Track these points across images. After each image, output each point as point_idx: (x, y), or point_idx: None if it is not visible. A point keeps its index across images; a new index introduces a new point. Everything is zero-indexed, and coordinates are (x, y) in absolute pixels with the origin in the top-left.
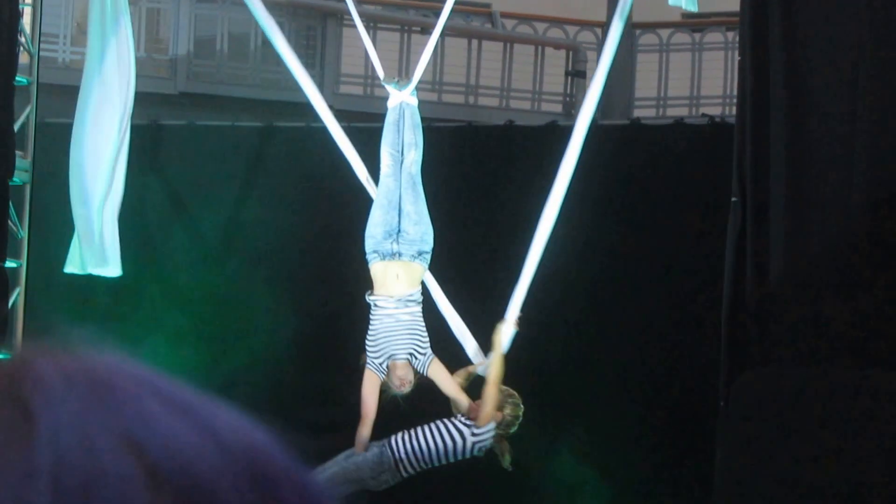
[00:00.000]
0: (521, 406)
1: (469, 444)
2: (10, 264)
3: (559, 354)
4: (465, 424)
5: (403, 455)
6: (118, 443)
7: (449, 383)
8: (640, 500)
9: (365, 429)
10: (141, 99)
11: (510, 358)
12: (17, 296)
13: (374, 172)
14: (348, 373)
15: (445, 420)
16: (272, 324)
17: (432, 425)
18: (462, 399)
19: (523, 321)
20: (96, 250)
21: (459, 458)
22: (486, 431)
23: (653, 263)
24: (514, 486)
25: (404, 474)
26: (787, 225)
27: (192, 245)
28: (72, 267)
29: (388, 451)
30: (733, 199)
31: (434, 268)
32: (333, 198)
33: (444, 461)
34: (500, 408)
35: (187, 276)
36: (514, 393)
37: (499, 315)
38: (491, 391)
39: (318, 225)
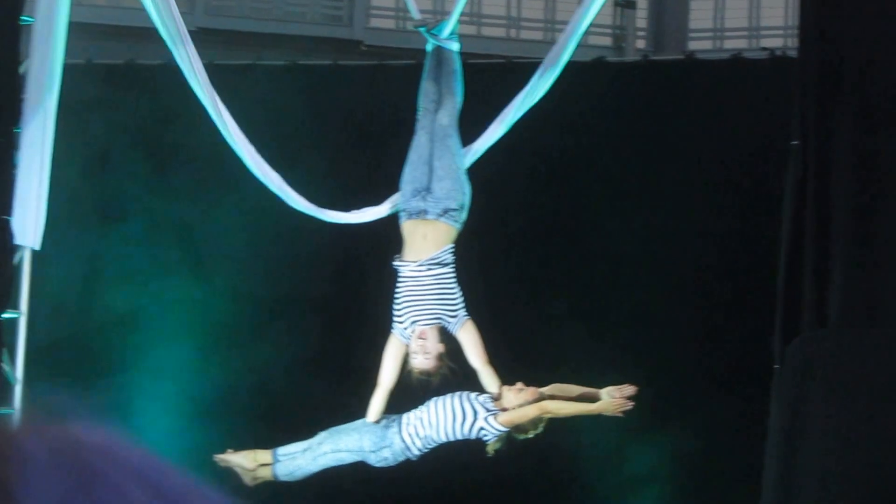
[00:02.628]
0: (544, 422)
1: (477, 427)
2: None
3: (607, 308)
4: (482, 405)
5: (411, 424)
6: None
7: (477, 352)
8: (693, 466)
9: (379, 397)
10: (156, 37)
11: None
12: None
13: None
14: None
15: (462, 393)
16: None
17: (446, 396)
18: (489, 376)
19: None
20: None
21: (463, 436)
22: (498, 427)
23: (705, 213)
24: (558, 460)
25: (409, 453)
26: (852, 173)
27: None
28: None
29: (396, 425)
30: (794, 142)
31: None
32: (367, 141)
33: (448, 435)
34: (525, 428)
35: (205, 228)
36: (545, 418)
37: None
38: (530, 412)
39: (352, 174)
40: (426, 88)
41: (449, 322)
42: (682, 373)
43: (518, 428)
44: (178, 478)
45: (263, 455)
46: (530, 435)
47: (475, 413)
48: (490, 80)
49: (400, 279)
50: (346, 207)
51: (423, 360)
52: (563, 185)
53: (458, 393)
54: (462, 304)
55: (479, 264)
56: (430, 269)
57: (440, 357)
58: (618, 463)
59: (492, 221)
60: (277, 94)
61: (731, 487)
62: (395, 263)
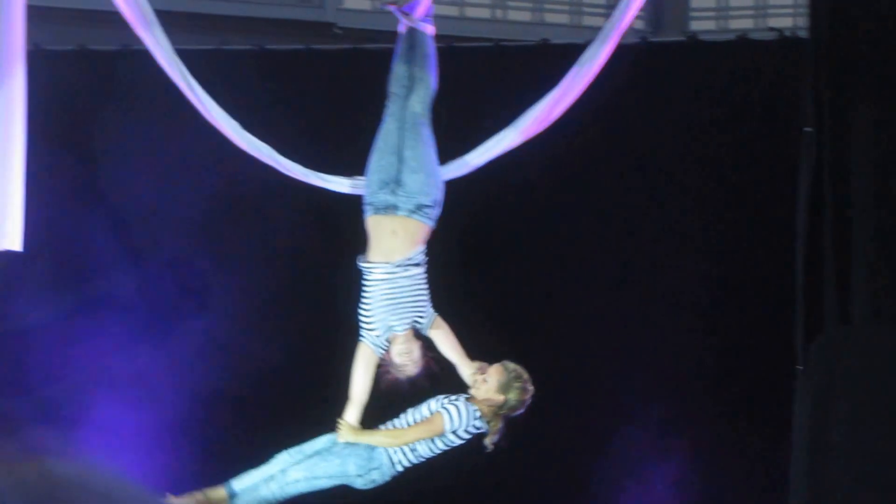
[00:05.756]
0: (530, 388)
1: (465, 422)
2: None
3: (623, 309)
4: (464, 403)
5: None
6: None
7: (452, 346)
8: (716, 469)
9: (352, 413)
10: (113, 20)
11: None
12: None
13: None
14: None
15: (437, 398)
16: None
17: (421, 406)
18: (465, 364)
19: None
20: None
21: (450, 443)
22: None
23: (713, 204)
24: (581, 452)
25: (397, 467)
26: (871, 159)
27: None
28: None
29: None
30: (807, 129)
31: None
32: (338, 133)
33: (437, 446)
34: (504, 391)
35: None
36: (523, 374)
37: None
38: (495, 369)
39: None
40: (397, 72)
41: (421, 323)
42: (700, 376)
43: (504, 407)
44: None
45: (216, 493)
46: (522, 410)
47: (458, 410)
48: (476, 65)
49: (369, 282)
50: (319, 203)
51: (413, 368)
52: (556, 178)
53: (432, 399)
54: (430, 304)
55: (483, 264)
56: (405, 271)
57: (424, 356)
58: (637, 467)
59: (493, 215)
60: (244, 82)
61: (757, 493)
62: (363, 265)
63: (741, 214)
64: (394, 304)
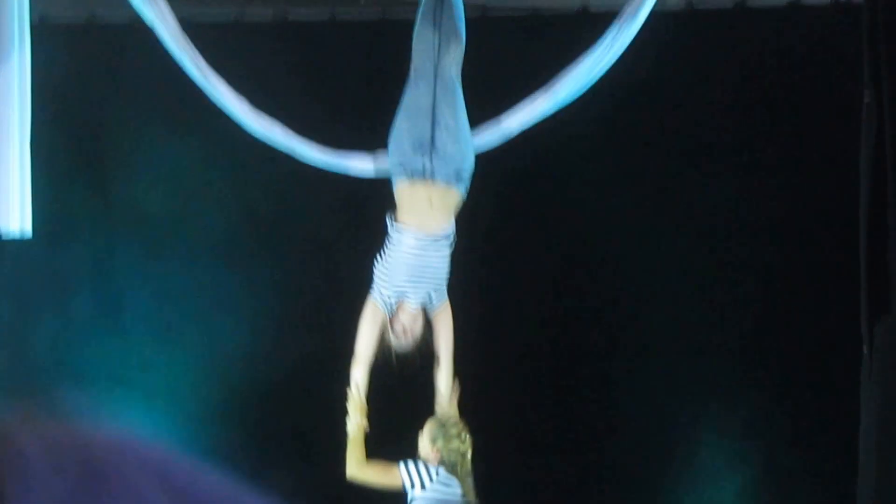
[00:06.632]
0: (463, 438)
1: (424, 474)
2: None
3: (676, 292)
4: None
5: None
6: None
7: (447, 341)
8: (781, 459)
9: (359, 370)
10: None
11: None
12: None
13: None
14: None
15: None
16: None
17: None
18: (447, 373)
19: None
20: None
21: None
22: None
23: (766, 182)
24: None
25: None
26: None
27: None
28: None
29: None
30: (866, 99)
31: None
32: (368, 107)
33: None
34: (432, 440)
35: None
36: (451, 420)
37: None
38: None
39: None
40: (423, 32)
41: (433, 301)
42: (757, 360)
43: (444, 463)
44: (196, 475)
45: None
46: (465, 463)
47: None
48: (511, 36)
49: (396, 245)
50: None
51: (407, 343)
52: (595, 151)
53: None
54: (445, 284)
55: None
56: (436, 243)
57: (422, 338)
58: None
59: (521, 192)
60: (264, 56)
61: (824, 485)
62: (398, 226)
63: (799, 192)
64: (417, 276)
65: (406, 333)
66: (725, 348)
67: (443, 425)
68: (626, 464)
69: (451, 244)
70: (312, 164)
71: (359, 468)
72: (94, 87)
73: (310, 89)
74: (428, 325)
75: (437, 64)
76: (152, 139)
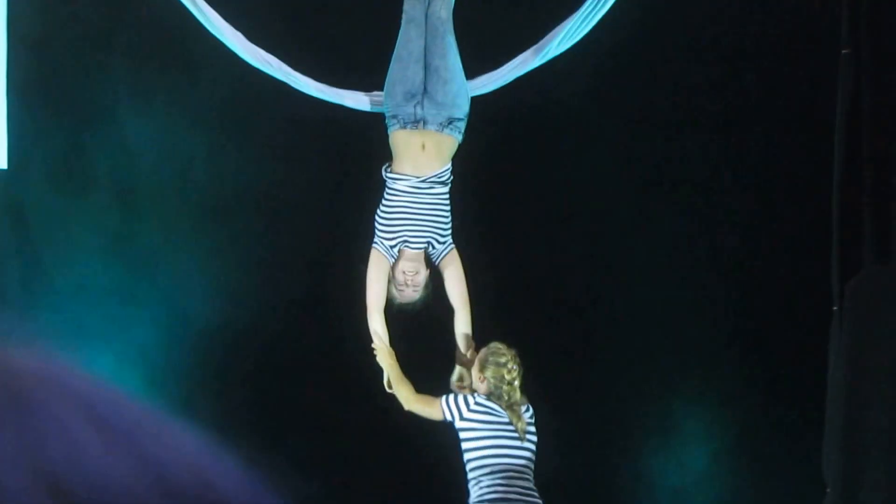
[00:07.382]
0: (511, 367)
1: (462, 400)
2: None
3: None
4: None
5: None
6: (38, 485)
7: (460, 289)
8: (750, 410)
9: (375, 320)
10: None
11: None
12: None
13: None
14: None
15: None
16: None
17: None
18: (465, 319)
19: None
20: None
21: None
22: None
23: (745, 134)
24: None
25: None
26: None
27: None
28: None
29: None
30: (844, 50)
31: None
32: (357, 46)
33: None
34: (481, 368)
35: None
36: (500, 349)
37: None
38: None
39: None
40: None
41: (436, 248)
42: (731, 322)
43: (492, 394)
44: (121, 405)
45: None
46: (514, 389)
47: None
48: None
49: (392, 192)
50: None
51: (411, 294)
52: (572, 111)
53: None
54: (450, 230)
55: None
56: (431, 188)
57: (426, 286)
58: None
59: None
60: None
61: (791, 443)
62: (390, 175)
63: (775, 143)
64: (414, 219)
65: (408, 282)
66: (703, 315)
67: (493, 353)
68: (606, 429)
69: (447, 186)
70: (308, 94)
71: (411, 403)
72: (74, 25)
73: (305, 32)
74: (438, 277)
75: (427, 9)
76: (136, 76)
